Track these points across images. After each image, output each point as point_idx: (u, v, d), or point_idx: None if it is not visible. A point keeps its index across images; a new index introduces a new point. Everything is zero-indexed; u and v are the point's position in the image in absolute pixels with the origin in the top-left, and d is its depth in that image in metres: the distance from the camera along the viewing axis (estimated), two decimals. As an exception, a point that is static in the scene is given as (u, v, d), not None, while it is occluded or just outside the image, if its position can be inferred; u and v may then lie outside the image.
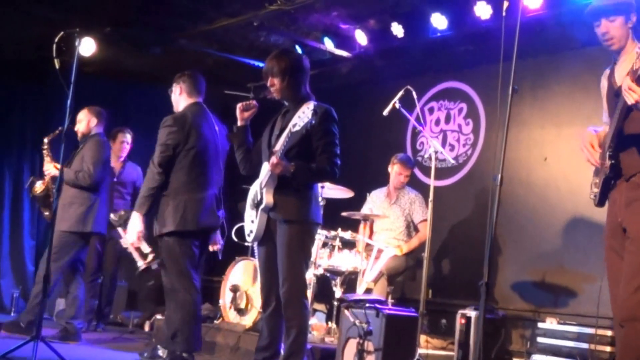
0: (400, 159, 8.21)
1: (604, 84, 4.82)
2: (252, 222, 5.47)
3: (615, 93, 4.53)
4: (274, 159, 5.18)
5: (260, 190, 5.40)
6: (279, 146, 5.25)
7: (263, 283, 5.60)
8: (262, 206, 5.35)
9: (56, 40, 5.62)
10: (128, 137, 9.35)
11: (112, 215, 7.83)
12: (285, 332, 5.40)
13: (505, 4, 4.60)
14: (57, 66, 5.65)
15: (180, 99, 6.57)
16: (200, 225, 6.11)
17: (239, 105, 5.65)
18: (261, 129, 5.64)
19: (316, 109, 5.15)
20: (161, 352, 6.15)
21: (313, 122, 5.06)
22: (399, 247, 7.94)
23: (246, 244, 5.75)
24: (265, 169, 5.38)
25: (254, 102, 5.68)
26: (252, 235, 5.47)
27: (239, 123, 5.69)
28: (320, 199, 6.86)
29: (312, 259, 7.50)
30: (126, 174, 9.32)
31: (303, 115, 5.04)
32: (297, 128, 5.09)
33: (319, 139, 5.35)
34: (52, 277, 6.60)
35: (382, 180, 8.39)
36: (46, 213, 7.86)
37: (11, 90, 10.72)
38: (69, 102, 5.57)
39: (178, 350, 5.94)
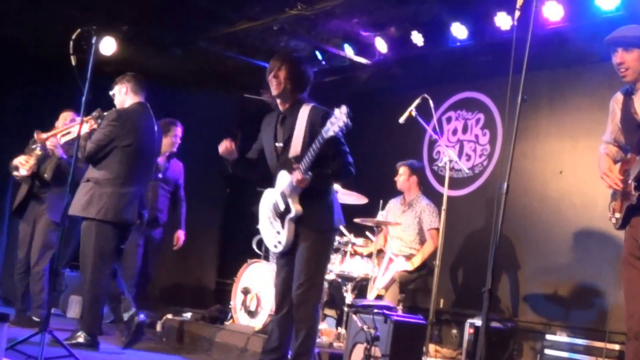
0: (400, 162, 8.33)
1: (615, 108, 4.91)
2: (278, 233, 5.48)
3: (638, 125, 4.63)
4: (298, 176, 5.20)
5: (283, 199, 5.40)
6: (304, 161, 5.25)
7: (279, 286, 5.61)
8: (290, 215, 5.38)
9: (73, 37, 5.63)
10: (179, 131, 8.80)
11: None
12: (294, 334, 5.42)
13: (517, 14, 4.59)
14: (73, 63, 5.68)
15: (126, 97, 6.98)
16: (119, 218, 6.53)
17: (222, 151, 5.69)
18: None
19: (314, 108, 5.21)
20: None
21: (349, 124, 5.07)
22: (410, 262, 7.92)
23: (271, 259, 5.75)
24: (285, 178, 5.39)
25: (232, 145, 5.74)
26: (282, 246, 5.47)
27: (231, 160, 5.74)
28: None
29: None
30: (171, 171, 8.78)
31: (336, 121, 5.04)
32: (331, 133, 5.09)
33: (327, 144, 5.30)
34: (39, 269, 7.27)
35: (396, 188, 8.38)
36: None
37: (32, 88, 10.79)
38: (84, 98, 5.58)
39: (84, 330, 6.48)
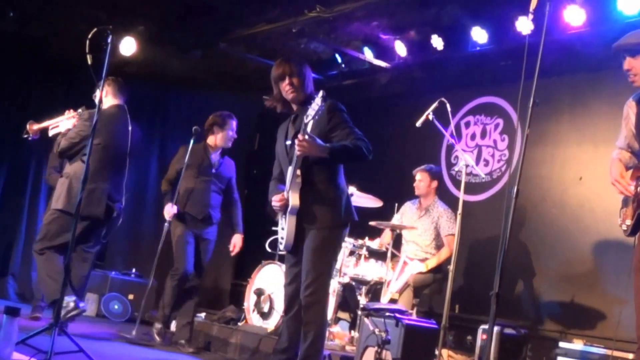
0: (417, 169, 8.29)
1: (629, 113, 4.89)
2: (282, 229, 5.46)
3: None
4: (299, 136, 5.12)
5: (286, 194, 5.39)
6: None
7: (287, 287, 5.59)
8: (289, 209, 5.34)
9: (89, 36, 5.63)
10: (235, 125, 8.13)
11: None
12: (302, 335, 5.38)
13: (530, 16, 4.55)
14: (89, 62, 5.69)
15: (106, 100, 7.43)
16: (84, 211, 6.68)
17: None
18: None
19: (324, 95, 5.17)
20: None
21: (323, 108, 5.05)
22: (424, 264, 7.87)
23: (279, 252, 5.72)
24: (289, 173, 5.38)
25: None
26: (284, 242, 5.43)
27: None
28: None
29: (338, 267, 7.50)
30: (224, 167, 8.10)
31: (313, 104, 5.03)
32: (309, 118, 5.07)
33: (336, 128, 5.35)
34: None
35: (414, 192, 8.34)
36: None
37: (55, 87, 10.85)
38: (98, 94, 5.58)
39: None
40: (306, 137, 5.11)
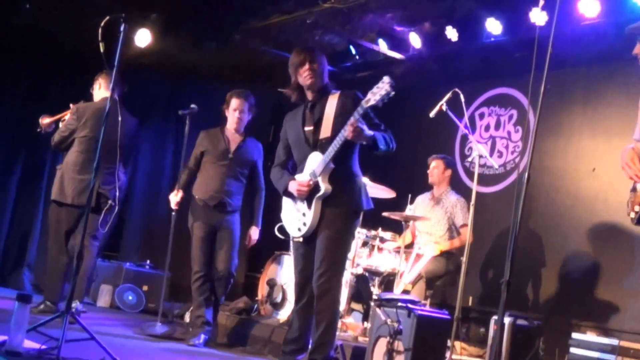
0: (433, 156, 8.35)
1: None
2: (303, 215, 5.48)
3: None
4: (352, 121, 5.21)
5: (312, 178, 5.42)
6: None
7: (298, 277, 5.62)
8: (319, 194, 5.40)
9: (102, 24, 5.65)
10: (235, 103, 7.57)
11: None
12: (315, 324, 5.41)
13: (541, 2, 4.53)
14: (101, 50, 5.72)
15: (98, 93, 7.84)
16: (74, 200, 7.42)
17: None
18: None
19: (342, 91, 5.28)
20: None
21: (387, 98, 5.23)
22: (438, 246, 7.89)
23: (294, 239, 5.72)
24: (316, 158, 5.45)
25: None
26: (306, 228, 5.47)
27: None
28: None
29: (351, 257, 7.52)
30: (245, 150, 7.58)
31: (378, 90, 5.23)
32: (372, 103, 5.20)
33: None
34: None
35: (427, 183, 8.34)
36: None
37: (70, 81, 10.88)
38: (111, 85, 5.61)
39: (46, 298, 7.42)
40: (358, 122, 5.22)
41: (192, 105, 7.71)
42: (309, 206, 5.45)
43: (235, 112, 7.47)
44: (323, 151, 5.43)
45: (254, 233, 7.61)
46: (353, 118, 5.21)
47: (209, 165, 7.45)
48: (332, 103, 5.55)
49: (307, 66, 5.57)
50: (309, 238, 5.49)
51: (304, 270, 5.55)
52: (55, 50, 10.61)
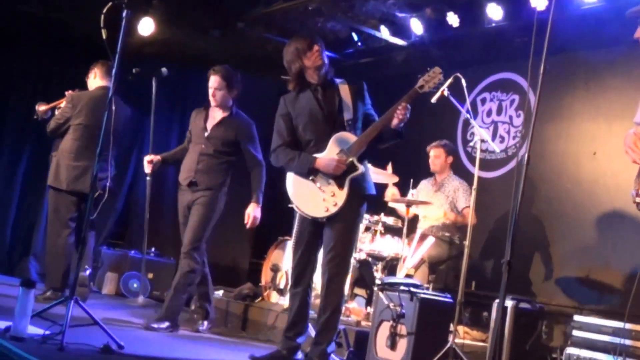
0: (432, 144, 8.41)
1: None
2: (333, 195, 5.49)
3: None
4: (404, 104, 5.42)
5: (347, 156, 5.48)
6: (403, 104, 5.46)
7: (299, 259, 5.64)
8: (354, 174, 5.50)
9: (104, 10, 5.67)
10: (211, 81, 7.31)
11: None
12: (321, 308, 5.45)
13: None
14: (104, 36, 5.75)
15: (93, 82, 8.06)
16: (69, 187, 7.66)
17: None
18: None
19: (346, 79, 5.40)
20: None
21: (444, 87, 5.68)
22: (444, 211, 8.01)
23: (320, 219, 5.66)
24: (347, 138, 5.55)
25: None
26: (337, 208, 5.47)
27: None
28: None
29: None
30: (223, 127, 7.28)
31: (430, 78, 5.56)
32: (426, 89, 5.53)
33: (370, 110, 5.75)
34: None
35: (428, 168, 8.40)
36: None
37: (79, 71, 10.91)
38: (114, 71, 5.64)
39: (49, 286, 7.60)
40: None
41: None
42: (341, 186, 5.46)
43: (210, 89, 7.29)
44: (351, 131, 5.54)
45: (253, 211, 7.21)
46: (404, 101, 5.41)
47: (191, 145, 7.35)
48: (344, 89, 5.65)
49: (315, 47, 5.62)
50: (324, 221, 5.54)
51: (305, 252, 5.58)
52: (63, 38, 10.66)
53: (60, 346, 4.54)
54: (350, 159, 5.46)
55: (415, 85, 5.44)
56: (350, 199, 5.46)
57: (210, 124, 7.27)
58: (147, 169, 7.40)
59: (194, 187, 7.13)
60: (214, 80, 7.23)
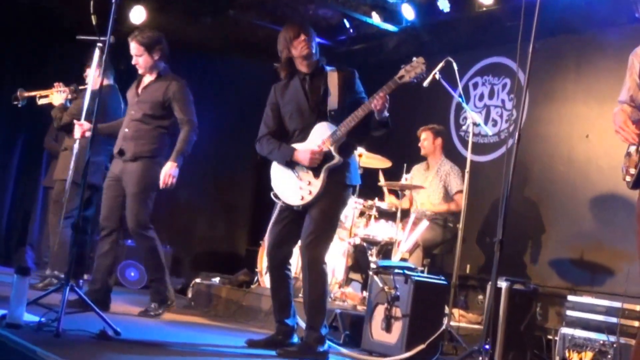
0: (422, 128, 8.46)
1: (634, 62, 4.79)
2: (309, 184, 5.50)
3: None
4: (382, 94, 5.29)
5: (325, 148, 5.48)
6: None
7: (277, 237, 5.65)
8: (330, 163, 5.45)
9: (93, -4, 5.68)
10: (132, 48, 6.90)
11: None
12: (306, 293, 5.46)
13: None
14: (94, 22, 5.77)
15: (98, 80, 7.52)
16: (89, 182, 7.43)
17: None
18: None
19: (337, 67, 5.36)
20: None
21: (424, 73, 5.41)
22: (432, 204, 8.07)
23: (296, 207, 5.71)
24: (325, 129, 5.50)
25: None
26: (312, 197, 5.47)
27: None
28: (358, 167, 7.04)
29: (348, 226, 7.59)
30: (151, 90, 6.88)
31: (412, 69, 5.37)
32: (406, 80, 5.35)
33: (359, 98, 5.60)
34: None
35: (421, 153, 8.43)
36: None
37: (70, 60, 10.90)
38: (104, 57, 5.64)
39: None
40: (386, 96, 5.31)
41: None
42: (316, 175, 5.48)
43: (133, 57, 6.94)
44: (333, 122, 5.49)
45: (169, 169, 6.66)
46: (383, 91, 5.29)
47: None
48: (333, 77, 5.59)
49: (302, 37, 5.58)
50: (305, 206, 5.55)
51: (280, 233, 5.60)
52: (53, 28, 10.64)
53: (57, 332, 4.54)
54: (327, 149, 5.48)
55: (395, 76, 5.40)
56: (328, 188, 5.45)
57: (140, 89, 6.93)
58: (77, 133, 7.08)
59: (124, 157, 6.75)
60: (132, 48, 6.89)
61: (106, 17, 5.55)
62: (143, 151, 6.68)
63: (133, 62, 6.90)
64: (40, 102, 8.22)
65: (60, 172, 8.04)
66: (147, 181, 6.68)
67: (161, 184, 6.66)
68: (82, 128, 7.04)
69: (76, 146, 7.42)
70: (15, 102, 8.27)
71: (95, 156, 7.41)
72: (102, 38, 6.36)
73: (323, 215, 5.43)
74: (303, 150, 5.50)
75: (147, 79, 6.96)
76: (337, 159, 5.45)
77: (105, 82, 7.85)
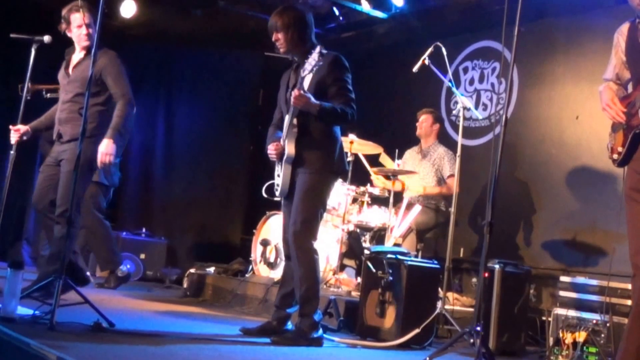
0: (423, 110, 8.46)
1: (619, 40, 4.82)
2: (278, 176, 5.56)
3: None
4: (295, 92, 5.27)
5: (282, 142, 5.50)
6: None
7: (285, 232, 5.71)
8: (284, 157, 5.44)
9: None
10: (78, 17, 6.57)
11: None
12: (297, 281, 5.49)
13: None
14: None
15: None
16: (109, 180, 8.23)
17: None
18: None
19: (322, 51, 5.27)
20: None
21: (321, 63, 5.24)
22: (423, 186, 8.06)
23: (275, 199, 5.84)
24: (286, 122, 5.48)
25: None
26: (279, 190, 5.54)
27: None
28: (348, 153, 7.06)
29: (341, 213, 7.61)
30: (82, 67, 6.52)
31: (310, 59, 5.21)
32: (306, 72, 5.27)
33: (331, 85, 5.49)
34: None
35: (414, 137, 8.45)
36: None
37: (61, 55, 10.90)
38: (93, 50, 5.64)
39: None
40: (301, 92, 5.23)
41: (45, 37, 6.39)
42: (280, 168, 5.53)
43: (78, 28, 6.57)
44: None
45: (104, 147, 6.33)
46: (296, 89, 5.28)
47: None
48: (311, 64, 5.42)
49: (273, 37, 5.55)
50: (291, 196, 5.57)
51: (287, 226, 5.65)
52: (44, 22, 10.60)
53: (51, 325, 4.56)
54: (282, 144, 5.51)
55: None
56: (296, 178, 5.48)
57: (71, 69, 6.60)
58: (13, 138, 6.61)
59: (61, 140, 6.50)
60: (76, 19, 6.56)
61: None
62: (75, 132, 6.13)
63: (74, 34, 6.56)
64: (48, 95, 8.15)
65: None
66: (82, 160, 5.69)
67: (98, 164, 6.36)
68: (18, 133, 6.61)
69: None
70: (24, 94, 8.17)
71: (115, 157, 7.54)
72: (36, 38, 6.34)
73: (297, 208, 5.45)
74: (269, 145, 5.58)
75: (76, 57, 6.63)
76: (286, 153, 5.44)
77: None
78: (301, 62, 5.50)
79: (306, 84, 5.45)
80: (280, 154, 5.50)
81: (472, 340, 4.52)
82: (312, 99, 5.28)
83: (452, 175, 7.91)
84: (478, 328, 4.24)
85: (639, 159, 4.53)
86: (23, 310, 4.84)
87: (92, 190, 8.10)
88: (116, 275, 8.12)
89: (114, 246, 8.31)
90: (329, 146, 5.56)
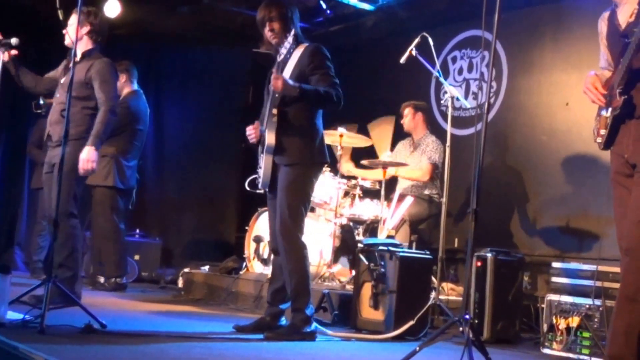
0: (404, 104, 8.43)
1: (603, 27, 4.85)
2: (260, 168, 5.54)
3: (621, 34, 4.56)
4: (273, 76, 5.27)
5: (262, 132, 5.49)
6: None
7: (271, 227, 5.69)
8: (265, 147, 5.43)
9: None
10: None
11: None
12: (287, 276, 5.47)
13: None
14: (60, 17, 5.74)
15: (124, 85, 8.64)
16: (126, 184, 8.44)
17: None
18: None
19: (298, 35, 5.29)
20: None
21: (294, 47, 5.28)
22: (396, 169, 8.06)
23: (258, 191, 5.84)
24: (267, 111, 5.46)
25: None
26: (261, 180, 5.53)
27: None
28: (338, 146, 7.03)
29: (333, 207, 7.59)
30: (76, 71, 6.14)
31: (285, 43, 5.23)
32: (282, 56, 5.28)
33: (313, 73, 5.48)
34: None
35: (404, 131, 8.44)
36: None
37: (49, 57, 10.87)
38: (73, 51, 5.60)
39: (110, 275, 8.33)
40: (276, 74, 5.22)
41: (13, 39, 6.34)
42: (262, 159, 5.51)
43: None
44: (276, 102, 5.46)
45: (85, 154, 6.26)
46: (274, 72, 5.34)
47: None
48: (295, 56, 5.52)
49: (267, 27, 5.55)
50: (273, 187, 5.55)
51: (273, 220, 5.63)
52: (30, 24, 10.58)
53: (41, 329, 4.53)
54: (261, 132, 5.51)
55: None
56: (276, 170, 5.48)
57: (65, 71, 6.57)
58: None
59: (52, 142, 6.46)
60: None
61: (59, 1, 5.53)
62: (73, 134, 6.19)
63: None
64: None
65: (102, 178, 8.25)
66: (69, 164, 6.05)
67: (80, 171, 6.26)
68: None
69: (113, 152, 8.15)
70: (39, 110, 8.29)
71: (131, 160, 8.49)
72: (3, 41, 6.26)
73: (280, 201, 5.44)
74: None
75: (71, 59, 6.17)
76: (266, 143, 5.42)
77: (127, 89, 8.54)
78: (288, 53, 5.49)
79: (287, 74, 5.44)
80: (259, 141, 5.50)
81: (460, 329, 4.51)
82: (290, 81, 5.26)
83: (430, 163, 7.90)
84: (467, 316, 4.22)
85: (621, 143, 4.53)
86: (13, 315, 4.82)
87: (107, 195, 8.14)
88: (116, 281, 8.17)
89: (125, 253, 8.55)
90: (308, 136, 5.54)
